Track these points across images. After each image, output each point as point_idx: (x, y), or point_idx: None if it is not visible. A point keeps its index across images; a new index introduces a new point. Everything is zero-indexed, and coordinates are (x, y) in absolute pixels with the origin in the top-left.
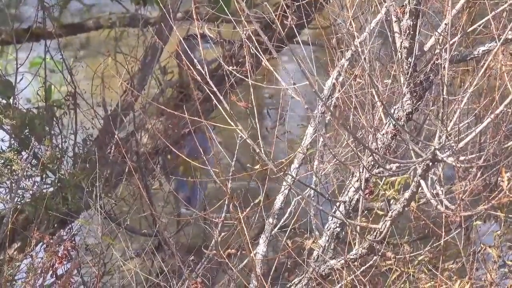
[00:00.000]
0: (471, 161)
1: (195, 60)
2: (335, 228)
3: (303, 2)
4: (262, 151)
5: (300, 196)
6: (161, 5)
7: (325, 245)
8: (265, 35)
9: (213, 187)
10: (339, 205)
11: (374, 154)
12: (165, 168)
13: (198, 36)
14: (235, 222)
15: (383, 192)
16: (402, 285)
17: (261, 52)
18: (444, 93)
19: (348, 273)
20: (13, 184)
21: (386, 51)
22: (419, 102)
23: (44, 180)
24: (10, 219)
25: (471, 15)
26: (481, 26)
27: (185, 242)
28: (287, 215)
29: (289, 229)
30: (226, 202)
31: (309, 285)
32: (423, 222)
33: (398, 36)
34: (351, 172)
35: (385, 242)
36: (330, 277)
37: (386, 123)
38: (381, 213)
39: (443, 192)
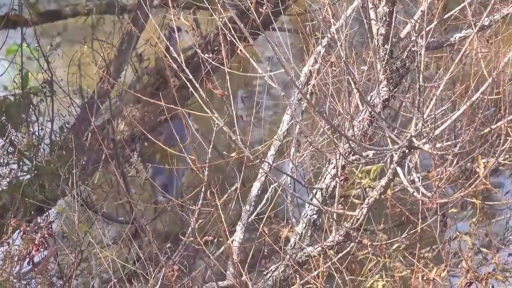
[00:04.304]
0: (447, 148)
1: (171, 48)
2: (312, 215)
3: None
4: (239, 139)
5: (277, 183)
6: None
7: (302, 232)
8: (241, 22)
9: (190, 174)
10: (316, 192)
11: (350, 141)
12: (142, 156)
13: (175, 28)
14: (212, 209)
15: (359, 181)
16: (378, 272)
17: (237, 39)
18: (420, 80)
19: (325, 260)
20: None
21: (362, 38)
22: (396, 89)
23: (20, 167)
24: None
25: (446, 1)
26: (457, 12)
27: (162, 229)
28: (264, 202)
29: (265, 216)
30: (203, 189)
31: (286, 272)
32: (399, 209)
33: (375, 23)
34: (328, 159)
35: (362, 229)
36: (307, 265)
37: (363, 110)
38: (357, 201)
39: (420, 179)
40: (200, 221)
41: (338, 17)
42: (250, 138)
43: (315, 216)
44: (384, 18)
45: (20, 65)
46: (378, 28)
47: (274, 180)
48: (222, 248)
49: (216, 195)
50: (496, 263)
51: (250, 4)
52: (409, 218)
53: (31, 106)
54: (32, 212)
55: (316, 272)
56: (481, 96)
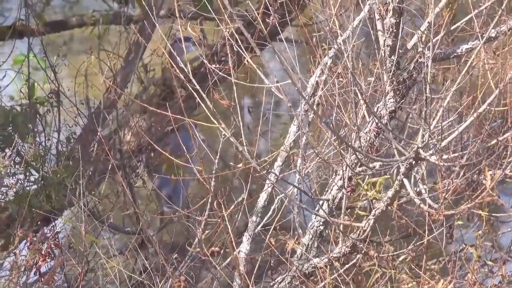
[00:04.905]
0: (454, 159)
1: (178, 58)
2: (319, 226)
3: None
4: (245, 149)
5: (283, 194)
6: (143, 2)
7: (308, 244)
8: (247, 33)
9: (196, 185)
10: (323, 204)
11: (357, 153)
12: (148, 166)
13: (182, 38)
14: (219, 220)
15: (365, 193)
16: (384, 284)
17: (244, 50)
18: (427, 91)
19: (331, 272)
20: None
21: (369, 49)
22: (402, 100)
23: (27, 177)
24: None
25: (453, 13)
26: (464, 24)
27: (169, 240)
28: (270, 213)
29: (272, 227)
30: (210, 200)
31: (292, 284)
32: (405, 221)
33: (381, 34)
34: (334, 171)
35: (368, 241)
36: (314, 276)
37: (369, 121)
38: (362, 213)
39: (426, 191)
40: (206, 232)
41: (345, 28)
42: (257, 149)
43: (321, 227)
44: (391, 29)
45: (27, 75)
46: (385, 39)
47: (280, 191)
48: (229, 259)
49: (222, 206)
50: (502, 275)
51: (257, 15)
52: (415, 229)
53: (37, 116)
54: (39, 223)
55: (323, 283)
56: (488, 107)
